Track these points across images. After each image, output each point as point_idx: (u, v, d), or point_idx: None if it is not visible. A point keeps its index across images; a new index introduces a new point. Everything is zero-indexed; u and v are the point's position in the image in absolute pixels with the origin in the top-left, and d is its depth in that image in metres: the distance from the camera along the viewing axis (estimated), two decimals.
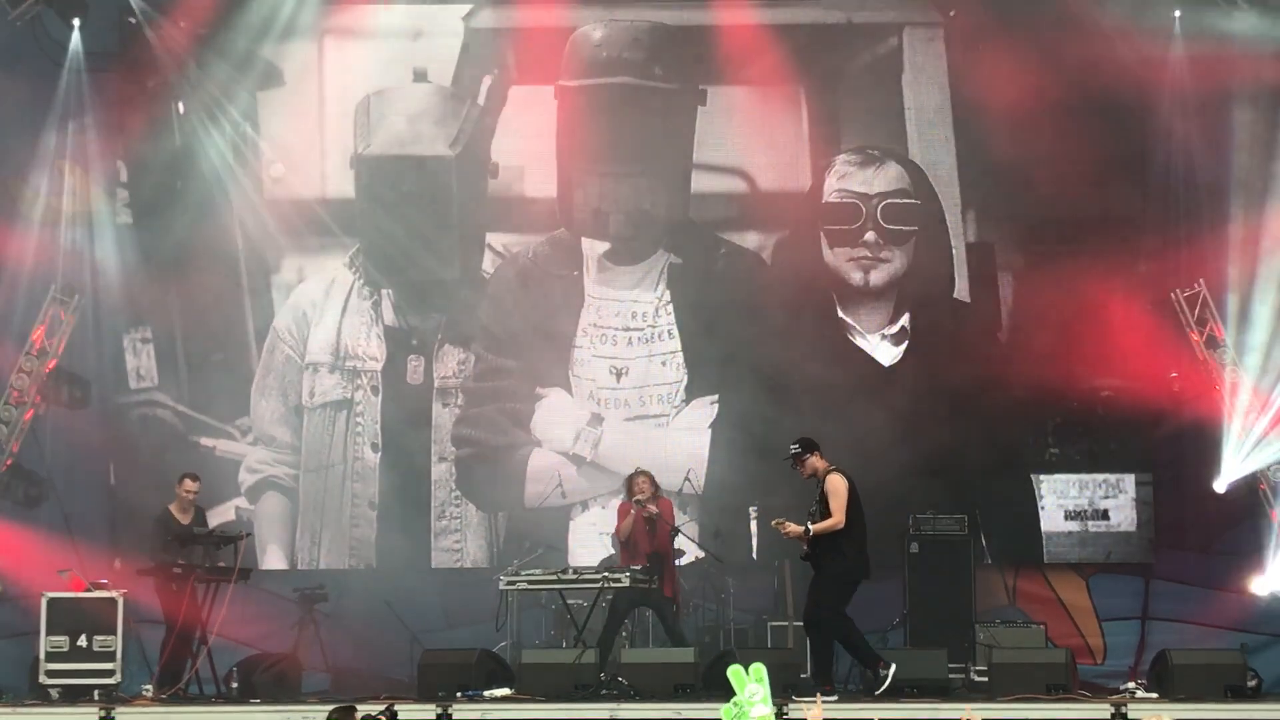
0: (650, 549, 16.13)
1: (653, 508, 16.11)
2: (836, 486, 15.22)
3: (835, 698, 14.81)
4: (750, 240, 19.14)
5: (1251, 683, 15.69)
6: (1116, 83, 18.22)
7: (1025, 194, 18.59)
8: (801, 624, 16.00)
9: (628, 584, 15.84)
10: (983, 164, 18.71)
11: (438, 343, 19.02)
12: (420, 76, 19.07)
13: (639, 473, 16.41)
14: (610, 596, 16.14)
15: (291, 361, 19.08)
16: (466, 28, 19.15)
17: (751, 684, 7.97)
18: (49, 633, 15.93)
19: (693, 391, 18.82)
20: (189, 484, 16.48)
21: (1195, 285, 18.02)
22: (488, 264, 19.13)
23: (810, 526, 15.16)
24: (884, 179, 18.88)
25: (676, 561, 16.73)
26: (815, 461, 15.43)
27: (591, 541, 18.33)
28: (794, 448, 15.46)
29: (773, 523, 15.43)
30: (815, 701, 9.52)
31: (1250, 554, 17.95)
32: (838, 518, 15.12)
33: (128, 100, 18.96)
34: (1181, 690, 15.15)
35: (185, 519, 16.39)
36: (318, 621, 17.78)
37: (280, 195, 19.21)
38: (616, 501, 17.24)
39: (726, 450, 18.55)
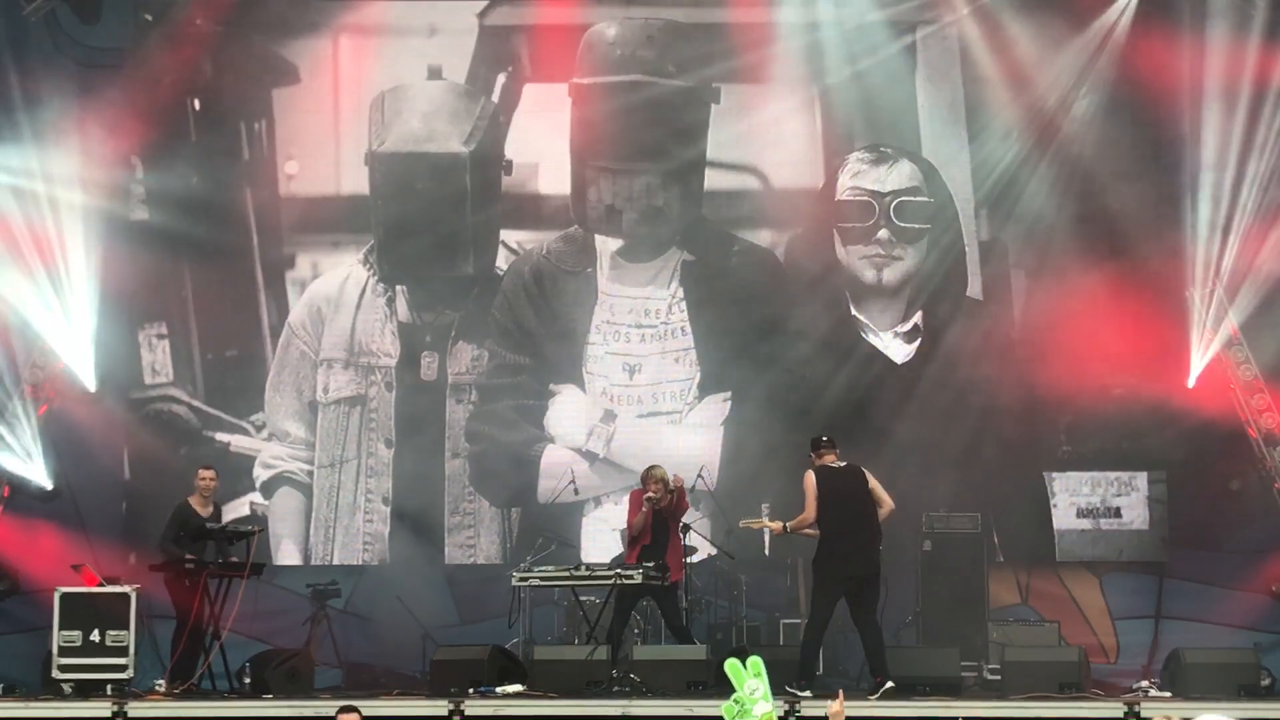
0: (651, 540, 16.05)
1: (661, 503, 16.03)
2: (804, 483, 15.36)
3: (809, 694, 14.82)
4: (763, 238, 19.16)
5: (1265, 682, 15.71)
6: (1132, 80, 18.20)
7: (1039, 192, 18.57)
8: None
9: (640, 581, 15.82)
10: (996, 162, 18.70)
11: (451, 339, 19.05)
12: (435, 74, 19.08)
13: (654, 468, 16.31)
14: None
15: (306, 357, 19.12)
16: (481, 25, 19.18)
17: (751, 679, 7.91)
18: (62, 627, 15.93)
19: (705, 388, 18.84)
20: (204, 474, 16.50)
21: (1211, 284, 17.98)
22: (501, 261, 19.15)
23: (786, 524, 15.46)
24: (897, 177, 18.88)
25: (689, 559, 16.72)
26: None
27: (604, 538, 18.33)
28: None
29: (739, 524, 15.99)
30: (837, 697, 9.52)
31: (1264, 553, 17.91)
32: (804, 514, 15.30)
33: (143, 96, 18.96)
34: (1195, 689, 15.16)
35: (205, 511, 16.39)
36: (330, 617, 17.80)
37: (295, 192, 19.29)
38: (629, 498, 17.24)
39: (739, 447, 18.57)
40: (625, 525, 16.58)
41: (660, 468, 16.21)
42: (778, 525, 15.64)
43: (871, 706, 14.50)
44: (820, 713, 13.95)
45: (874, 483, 15.35)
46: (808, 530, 15.42)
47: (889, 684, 14.85)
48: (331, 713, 13.39)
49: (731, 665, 7.90)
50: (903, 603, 17.41)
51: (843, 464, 15.44)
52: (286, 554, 18.86)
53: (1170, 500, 18.41)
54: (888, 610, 16.83)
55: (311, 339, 19.13)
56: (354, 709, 12.06)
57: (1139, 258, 18.36)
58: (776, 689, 10.70)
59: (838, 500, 15.25)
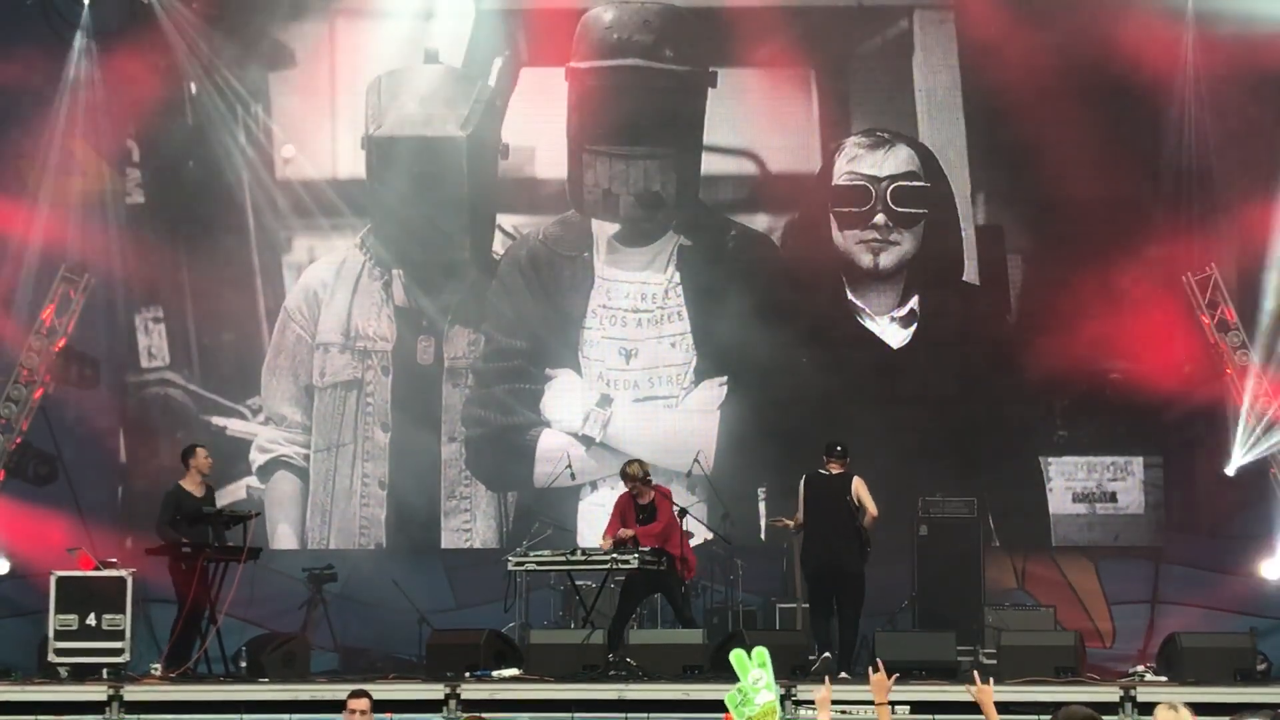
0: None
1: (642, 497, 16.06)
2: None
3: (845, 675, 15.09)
4: (760, 222, 19.16)
5: (1260, 666, 15.72)
6: (1128, 64, 18.16)
7: (1035, 176, 18.55)
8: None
9: (636, 565, 15.82)
10: (993, 146, 18.71)
11: (448, 323, 19.05)
12: (431, 57, 19.07)
13: (630, 463, 16.35)
14: (620, 579, 16.15)
15: (302, 341, 19.11)
16: (478, 9, 19.15)
17: (755, 669, 7.83)
18: (58, 611, 15.91)
19: (702, 373, 18.84)
20: (202, 452, 16.41)
21: (1206, 268, 17.98)
22: (498, 245, 19.15)
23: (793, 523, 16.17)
24: (894, 161, 18.88)
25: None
26: None
27: (600, 522, 18.19)
28: None
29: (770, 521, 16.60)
30: (824, 683, 9.53)
31: (1260, 538, 17.94)
32: (798, 516, 16.01)
33: (139, 80, 18.92)
34: (1190, 674, 15.15)
35: (199, 492, 16.33)
36: (327, 601, 17.82)
37: (291, 175, 19.25)
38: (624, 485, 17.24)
39: (735, 432, 18.58)
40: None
41: (636, 463, 16.26)
42: (790, 522, 16.13)
43: (865, 690, 14.50)
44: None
45: (860, 490, 15.76)
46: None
47: (827, 656, 15.45)
48: (327, 697, 13.41)
49: (737, 656, 7.82)
50: (899, 587, 17.42)
51: (836, 471, 15.81)
52: (283, 538, 18.86)
53: (1166, 485, 18.45)
54: (884, 595, 16.92)
55: (308, 323, 19.12)
56: (365, 694, 12.03)
57: (1135, 242, 18.36)
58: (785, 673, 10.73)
59: (817, 505, 15.81)
